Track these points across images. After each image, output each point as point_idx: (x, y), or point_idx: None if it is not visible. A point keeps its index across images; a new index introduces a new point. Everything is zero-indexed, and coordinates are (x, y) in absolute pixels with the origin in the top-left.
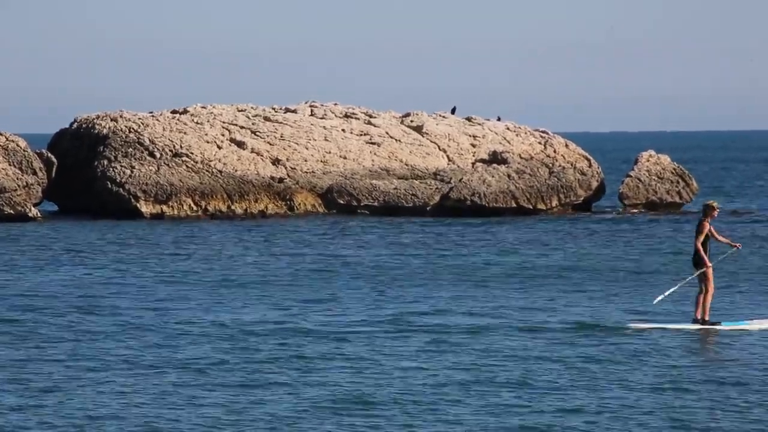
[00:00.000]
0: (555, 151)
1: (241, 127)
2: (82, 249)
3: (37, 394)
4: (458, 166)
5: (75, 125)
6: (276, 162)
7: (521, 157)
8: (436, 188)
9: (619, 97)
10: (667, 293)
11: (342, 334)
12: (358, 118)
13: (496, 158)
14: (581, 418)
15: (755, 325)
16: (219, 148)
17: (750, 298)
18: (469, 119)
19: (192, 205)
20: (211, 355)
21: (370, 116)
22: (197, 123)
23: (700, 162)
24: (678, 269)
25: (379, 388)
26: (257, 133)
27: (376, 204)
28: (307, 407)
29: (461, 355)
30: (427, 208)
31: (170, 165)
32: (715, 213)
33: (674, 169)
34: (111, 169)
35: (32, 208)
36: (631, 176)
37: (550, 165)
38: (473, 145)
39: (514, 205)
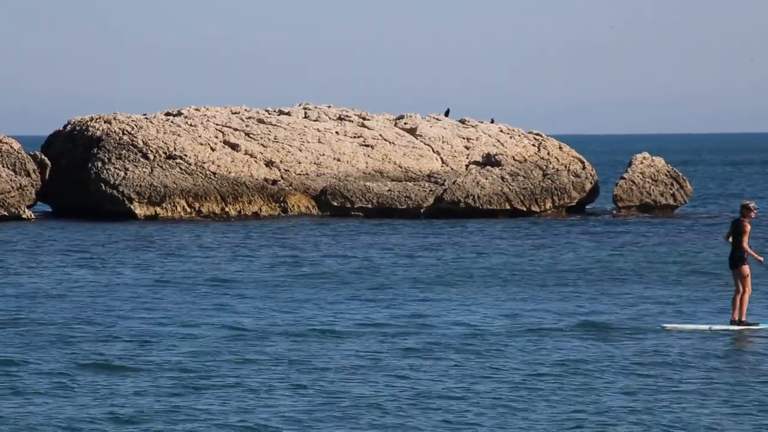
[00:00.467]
0: (549, 154)
1: (235, 130)
2: (75, 250)
3: (31, 397)
4: (452, 169)
5: (69, 127)
6: (270, 164)
7: (515, 160)
8: (430, 190)
9: (613, 100)
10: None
11: (348, 335)
12: (352, 121)
13: (489, 160)
14: (622, 418)
15: None
16: (213, 150)
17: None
18: (462, 121)
19: (186, 206)
20: (209, 356)
21: (364, 118)
22: (191, 125)
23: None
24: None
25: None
26: (251, 135)
27: (369, 206)
28: (311, 409)
29: (499, 359)
30: (421, 210)
31: (164, 167)
32: (753, 213)
33: (668, 171)
34: (105, 170)
35: (26, 210)
36: (624, 178)
37: (544, 167)
38: (467, 148)
39: (508, 207)
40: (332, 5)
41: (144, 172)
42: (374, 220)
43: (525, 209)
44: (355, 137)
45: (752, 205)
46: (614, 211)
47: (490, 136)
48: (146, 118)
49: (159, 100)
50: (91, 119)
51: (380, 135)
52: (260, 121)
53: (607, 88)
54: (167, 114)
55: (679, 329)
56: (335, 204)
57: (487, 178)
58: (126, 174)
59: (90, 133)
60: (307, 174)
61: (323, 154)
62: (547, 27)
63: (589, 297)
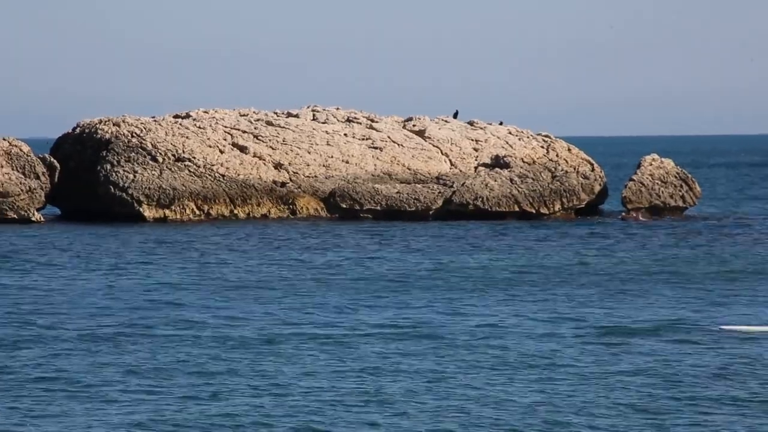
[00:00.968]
0: (557, 155)
1: (244, 132)
2: (83, 253)
3: (64, 401)
4: (460, 171)
5: (78, 130)
6: (278, 166)
7: (524, 162)
8: (439, 192)
9: (613, 100)
10: None
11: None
12: (360, 123)
13: (498, 162)
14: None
15: None
16: (221, 152)
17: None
18: (471, 123)
19: (195, 209)
20: (219, 359)
21: (372, 120)
22: (199, 127)
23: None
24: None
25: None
26: (259, 138)
27: (378, 208)
28: (328, 407)
29: (589, 365)
30: (430, 213)
31: (173, 169)
32: None
33: (678, 173)
34: (114, 173)
35: (35, 212)
36: (634, 180)
37: (553, 169)
38: (475, 150)
39: (517, 209)
40: (339, 6)
41: (153, 174)
42: (386, 222)
43: (534, 211)
44: (363, 139)
45: None
46: (623, 213)
47: (498, 138)
48: (155, 120)
49: (160, 101)
50: (100, 122)
51: (389, 137)
52: (269, 123)
53: (607, 89)
54: (176, 116)
55: (739, 330)
56: (344, 206)
57: (495, 180)
58: (135, 176)
59: (99, 136)
60: (315, 176)
61: (332, 156)
62: (547, 27)
63: (672, 299)
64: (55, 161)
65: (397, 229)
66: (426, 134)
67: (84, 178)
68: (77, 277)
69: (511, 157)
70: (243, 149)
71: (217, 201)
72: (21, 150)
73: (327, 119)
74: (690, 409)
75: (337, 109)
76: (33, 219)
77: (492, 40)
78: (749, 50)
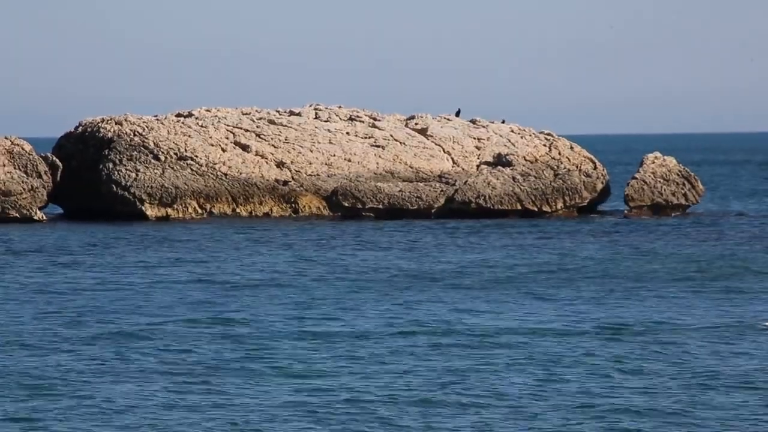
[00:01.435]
0: (560, 153)
1: (246, 130)
2: (86, 251)
3: (62, 396)
4: (463, 169)
5: (80, 129)
6: (280, 165)
7: (526, 160)
8: (441, 191)
9: (613, 100)
10: None
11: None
12: (363, 121)
13: (500, 161)
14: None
15: None
16: (223, 151)
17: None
18: (473, 122)
19: (197, 208)
20: (225, 356)
21: (375, 119)
22: (202, 126)
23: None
24: None
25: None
26: (261, 136)
27: (380, 207)
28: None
29: (653, 363)
30: (432, 211)
31: (175, 168)
32: None
33: (680, 170)
34: (116, 172)
35: (37, 212)
36: (636, 178)
37: (555, 167)
38: (478, 148)
39: (519, 207)
40: (340, 4)
41: (155, 173)
42: (390, 222)
43: (536, 209)
44: (366, 138)
45: None
46: (626, 212)
47: (501, 136)
48: (157, 119)
49: (161, 101)
50: (102, 120)
51: (391, 135)
52: (271, 122)
53: (607, 88)
54: (178, 115)
55: None
56: (346, 205)
57: (498, 179)
58: (137, 175)
59: (101, 135)
60: (317, 175)
61: (334, 155)
62: (547, 27)
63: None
64: (57, 160)
65: (418, 227)
66: (428, 132)
67: (86, 176)
68: (77, 276)
69: (513, 155)
70: (245, 148)
71: (219, 200)
72: (23, 149)
73: (329, 118)
74: (737, 411)
75: (340, 107)
76: (35, 218)
77: (490, 39)
78: (749, 50)
